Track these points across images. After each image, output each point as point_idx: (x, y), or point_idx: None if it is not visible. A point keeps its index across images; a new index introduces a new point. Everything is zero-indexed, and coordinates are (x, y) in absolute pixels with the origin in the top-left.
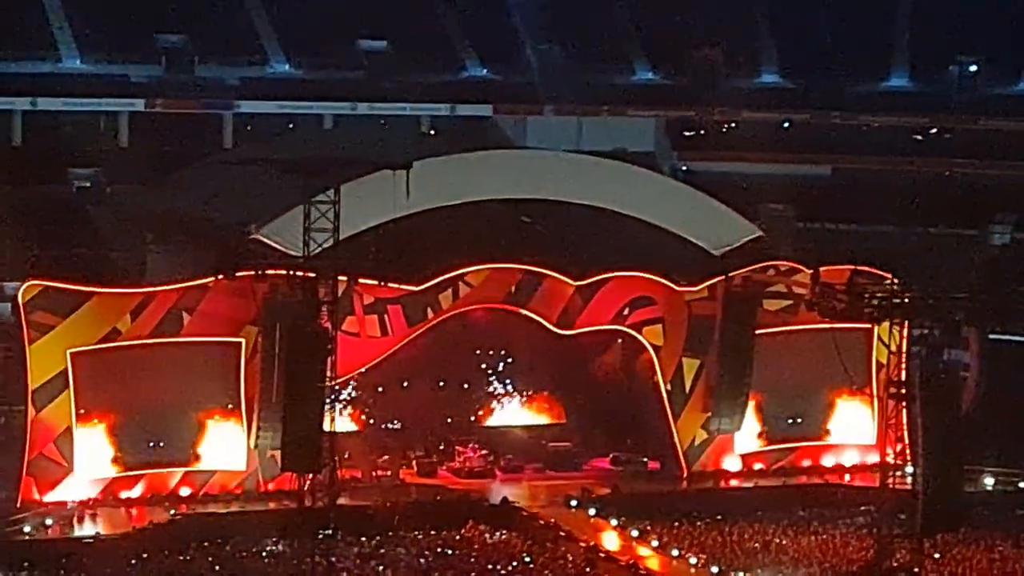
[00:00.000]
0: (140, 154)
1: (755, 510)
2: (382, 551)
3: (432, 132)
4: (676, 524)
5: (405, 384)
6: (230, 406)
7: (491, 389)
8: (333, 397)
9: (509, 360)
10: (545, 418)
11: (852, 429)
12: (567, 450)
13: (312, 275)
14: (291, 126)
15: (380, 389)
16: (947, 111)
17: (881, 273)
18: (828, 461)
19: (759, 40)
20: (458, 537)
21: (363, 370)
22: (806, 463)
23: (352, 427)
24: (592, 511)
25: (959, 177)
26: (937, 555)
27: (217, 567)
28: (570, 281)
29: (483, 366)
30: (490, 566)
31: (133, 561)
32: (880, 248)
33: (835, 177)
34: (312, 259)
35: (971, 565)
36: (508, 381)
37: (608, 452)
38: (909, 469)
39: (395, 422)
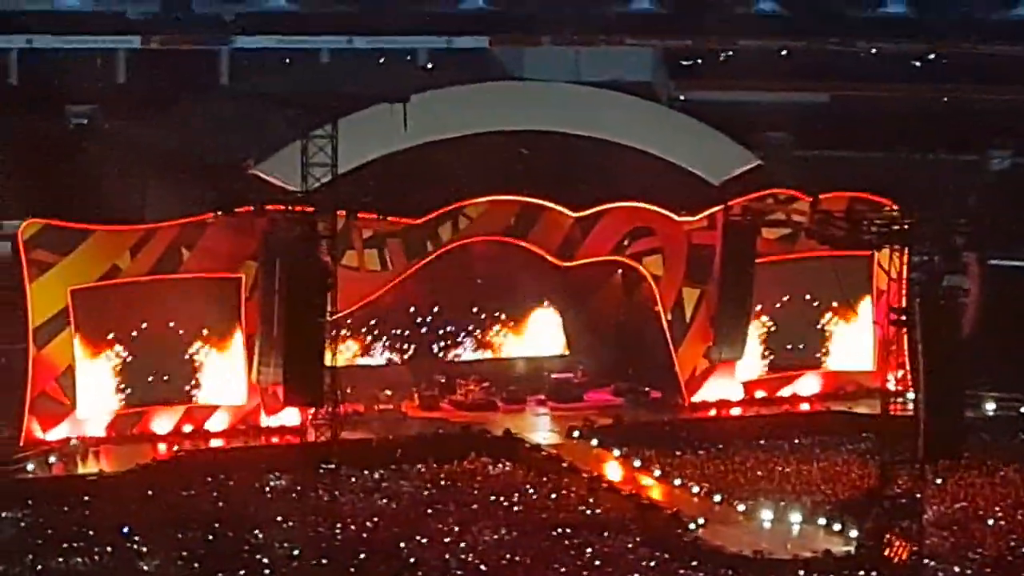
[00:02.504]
0: (137, 91)
1: (757, 438)
2: (385, 484)
3: (429, 65)
4: (678, 453)
5: (405, 318)
6: (231, 342)
7: (492, 322)
8: (333, 331)
9: (510, 292)
10: (547, 349)
11: (853, 356)
12: (569, 381)
13: (311, 210)
14: (288, 61)
15: (380, 323)
16: (944, 36)
17: (880, 200)
18: (829, 388)
19: None
20: (460, 470)
21: (363, 304)
22: (807, 391)
23: (353, 361)
24: (594, 442)
25: (957, 102)
26: (939, 481)
27: (221, 503)
28: (569, 212)
29: (484, 298)
30: (493, 498)
31: (137, 498)
32: (879, 175)
33: (833, 104)
34: (311, 194)
35: (973, 491)
36: (509, 313)
37: (610, 383)
38: (910, 395)
39: (396, 355)
